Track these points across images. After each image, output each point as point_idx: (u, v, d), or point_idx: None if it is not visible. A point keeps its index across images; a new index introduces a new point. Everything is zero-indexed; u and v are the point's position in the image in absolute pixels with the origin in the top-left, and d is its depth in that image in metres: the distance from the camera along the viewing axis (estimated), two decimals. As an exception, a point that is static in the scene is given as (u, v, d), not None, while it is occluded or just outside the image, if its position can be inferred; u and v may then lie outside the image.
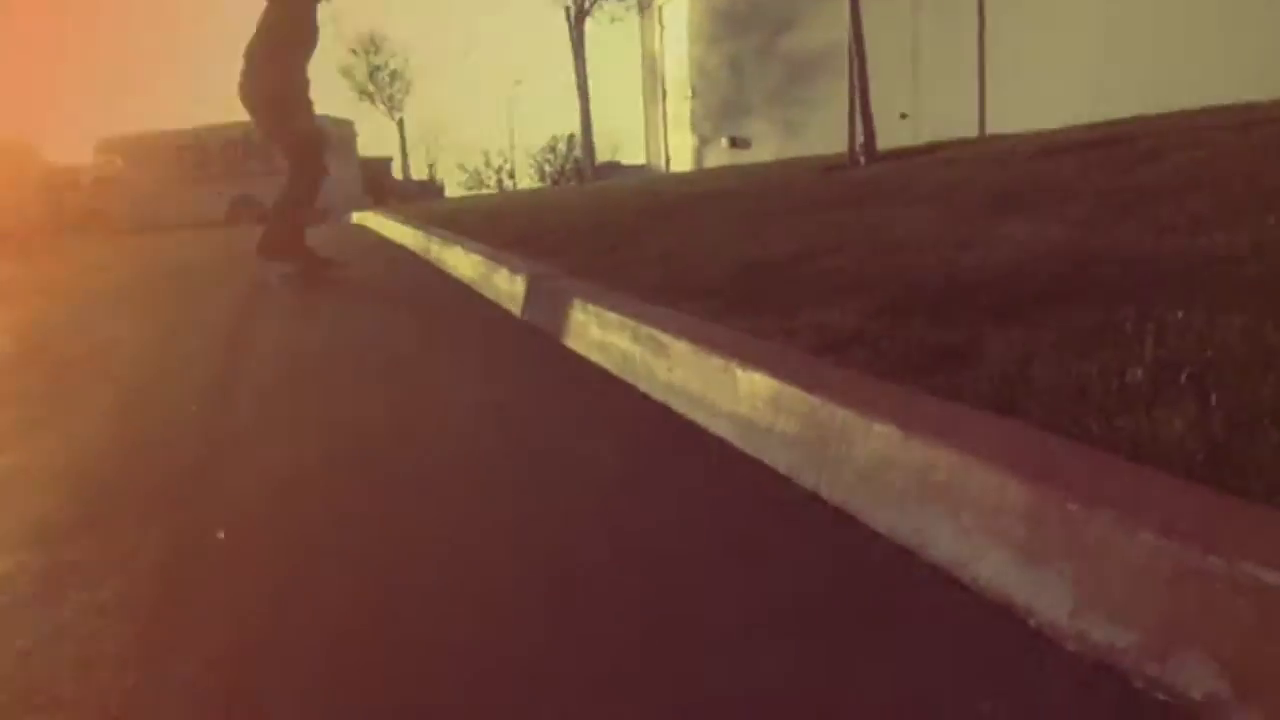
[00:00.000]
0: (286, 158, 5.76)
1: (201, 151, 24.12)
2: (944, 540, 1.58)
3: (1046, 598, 1.36)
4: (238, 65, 5.66)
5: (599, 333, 3.38)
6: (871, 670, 1.33)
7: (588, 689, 1.36)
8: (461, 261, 6.32)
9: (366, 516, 2.05)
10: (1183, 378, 1.72)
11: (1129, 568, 1.26)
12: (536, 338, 3.89)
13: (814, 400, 2.05)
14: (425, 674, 1.42)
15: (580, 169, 23.29)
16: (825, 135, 9.99)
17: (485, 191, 43.63)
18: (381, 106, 39.40)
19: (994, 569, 1.47)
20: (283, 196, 5.77)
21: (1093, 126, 6.32)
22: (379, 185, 32.41)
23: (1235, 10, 7.67)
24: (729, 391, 2.38)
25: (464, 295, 5.36)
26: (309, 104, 5.80)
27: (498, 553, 1.81)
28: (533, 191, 19.16)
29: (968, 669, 1.30)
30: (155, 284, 7.45)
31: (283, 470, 2.38)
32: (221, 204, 23.64)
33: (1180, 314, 2.03)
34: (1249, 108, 5.20)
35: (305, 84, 5.76)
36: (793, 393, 2.13)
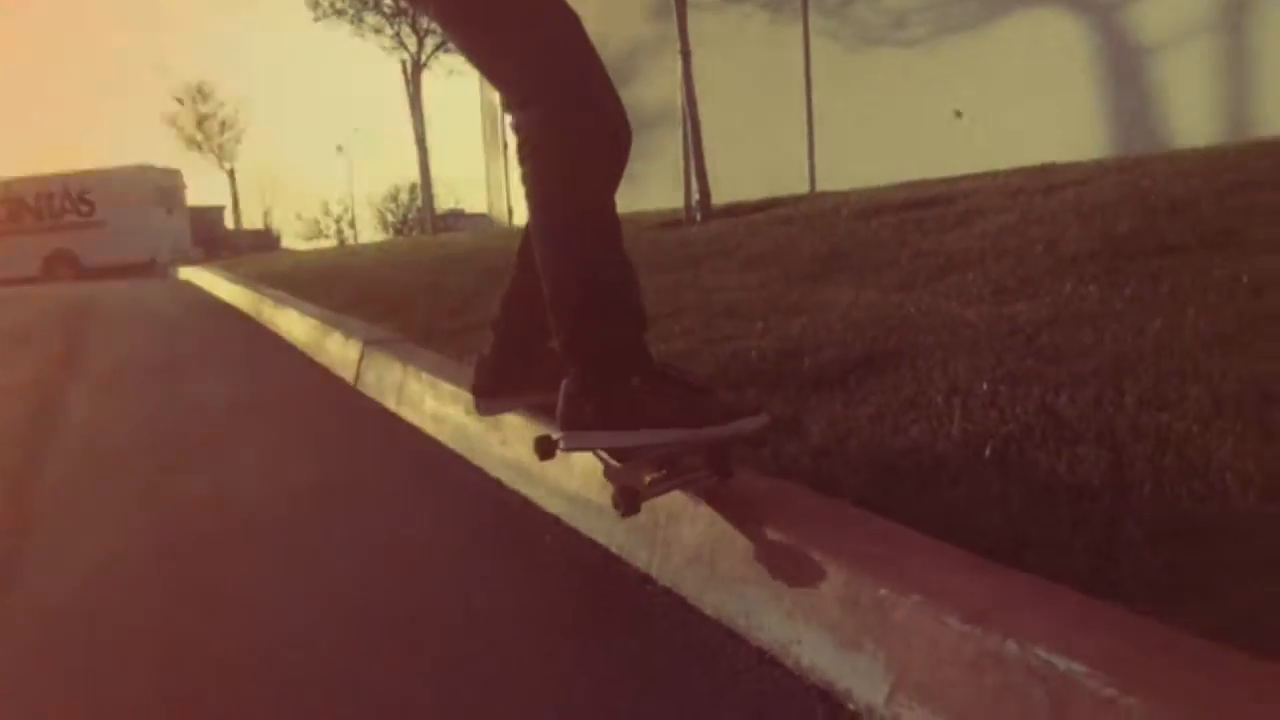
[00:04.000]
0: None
1: (12, 203, 22.78)
2: (770, 623, 1.60)
3: (863, 682, 1.40)
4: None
5: (434, 404, 3.32)
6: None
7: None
8: (294, 324, 6.13)
9: (174, 621, 1.93)
10: (986, 451, 1.81)
11: (936, 653, 1.31)
12: (369, 407, 3.79)
13: (644, 479, 2.06)
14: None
15: (423, 219, 23.08)
16: (664, 187, 10.19)
17: (324, 243, 42.68)
18: (211, 156, 38.09)
19: (815, 653, 1.50)
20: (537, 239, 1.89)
21: (914, 185, 6.65)
22: (210, 236, 31.33)
23: (1042, 75, 8.24)
24: (562, 468, 2.38)
25: (297, 361, 5.20)
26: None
27: (329, 641, 1.74)
28: (374, 246, 18.89)
29: (790, 759, 1.32)
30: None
31: (73, 581, 2.23)
32: (35, 259, 22.36)
33: (984, 386, 2.14)
34: (1053, 169, 5.58)
35: None
36: (623, 471, 2.13)
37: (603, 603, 1.87)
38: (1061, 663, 1.17)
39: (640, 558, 1.98)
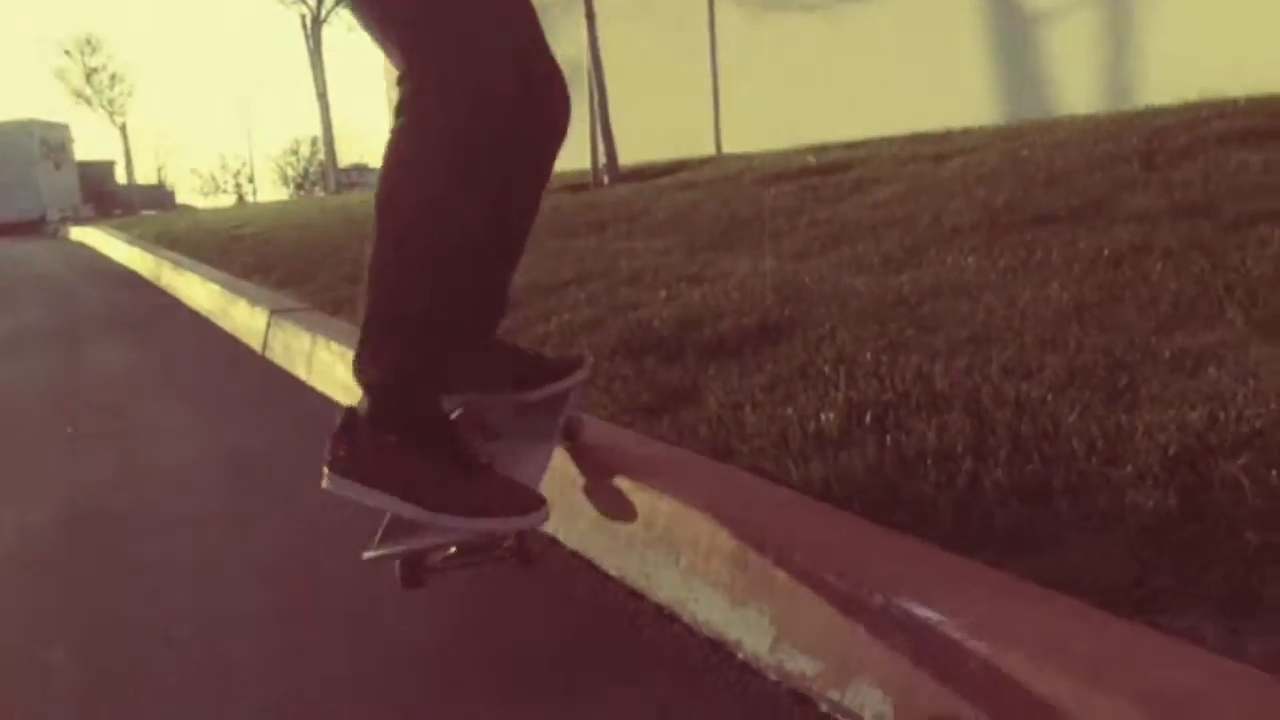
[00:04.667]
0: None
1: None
2: (668, 583, 1.74)
3: (751, 634, 1.54)
4: None
5: (345, 373, 3.37)
6: (591, 708, 1.46)
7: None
8: (197, 290, 6.06)
9: (98, 608, 1.99)
10: (867, 419, 1.97)
11: (814, 606, 1.46)
12: (279, 376, 3.82)
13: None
14: None
15: (326, 175, 22.63)
16: (571, 148, 10.22)
17: (222, 199, 41.47)
18: (102, 110, 36.60)
19: (709, 609, 1.64)
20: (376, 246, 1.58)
21: (813, 150, 6.83)
22: (101, 192, 30.25)
23: (939, 40, 8.47)
24: (473, 438, 2.47)
25: (201, 328, 5.16)
26: None
27: (246, 610, 1.82)
28: (275, 205, 18.47)
29: (685, 700, 1.46)
30: None
31: None
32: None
33: (868, 355, 2.30)
34: (942, 138, 5.79)
35: None
36: (532, 441, 2.24)
37: (511, 565, 1.98)
38: (921, 612, 1.33)
39: (548, 523, 2.10)
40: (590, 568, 1.92)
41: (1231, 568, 1.33)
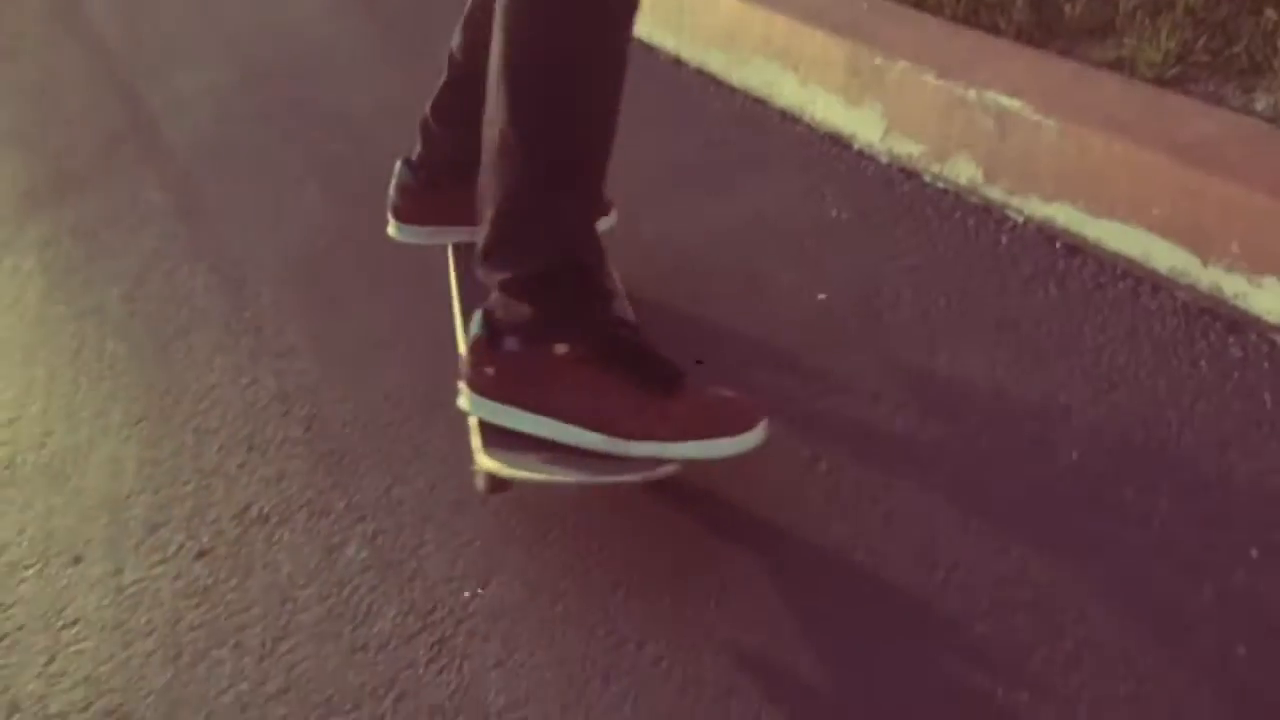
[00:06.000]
0: None
1: None
2: (788, 91, 2.13)
3: (865, 127, 1.96)
4: None
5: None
6: (742, 194, 1.92)
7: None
8: None
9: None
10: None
11: (918, 101, 1.86)
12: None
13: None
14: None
15: None
16: None
17: None
18: None
19: (825, 109, 2.04)
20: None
21: None
22: None
23: None
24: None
25: None
26: None
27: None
28: None
29: (815, 183, 1.91)
30: None
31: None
32: None
33: None
34: None
35: None
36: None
37: (645, 84, 2.33)
38: (1005, 99, 1.72)
39: (669, 43, 2.44)
40: (715, 81, 2.29)
41: (1252, 41, 1.69)
